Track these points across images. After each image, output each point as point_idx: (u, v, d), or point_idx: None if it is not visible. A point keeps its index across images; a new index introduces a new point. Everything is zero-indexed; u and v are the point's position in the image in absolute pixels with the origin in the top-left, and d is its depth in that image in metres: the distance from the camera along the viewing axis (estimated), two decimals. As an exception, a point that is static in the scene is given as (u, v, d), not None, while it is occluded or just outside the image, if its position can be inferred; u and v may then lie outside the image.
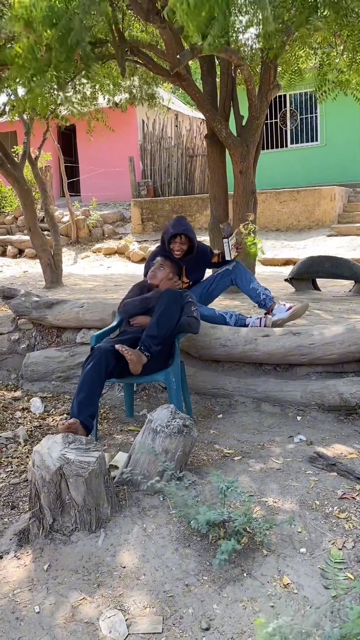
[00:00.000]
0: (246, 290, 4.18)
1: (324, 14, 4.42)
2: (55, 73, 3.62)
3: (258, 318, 4.01)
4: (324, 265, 5.93)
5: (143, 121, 15.09)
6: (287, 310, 4.02)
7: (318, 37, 6.02)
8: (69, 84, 6.21)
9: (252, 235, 4.22)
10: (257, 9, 3.63)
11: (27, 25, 3.19)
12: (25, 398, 4.16)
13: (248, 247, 4.19)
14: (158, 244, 4.37)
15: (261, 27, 4.41)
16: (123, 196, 15.46)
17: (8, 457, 3.18)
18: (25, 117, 7.61)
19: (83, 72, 5.09)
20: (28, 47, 3.37)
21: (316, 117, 13.93)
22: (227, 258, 4.15)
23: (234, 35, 5.46)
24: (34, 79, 3.77)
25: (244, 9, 3.98)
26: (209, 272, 4.37)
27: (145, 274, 3.98)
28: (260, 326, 3.93)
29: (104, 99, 8.35)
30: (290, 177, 13.84)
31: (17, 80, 5.14)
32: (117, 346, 2.97)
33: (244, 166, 5.73)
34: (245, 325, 3.97)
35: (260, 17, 4.13)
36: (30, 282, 8.99)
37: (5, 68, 5.67)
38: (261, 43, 4.67)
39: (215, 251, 4.34)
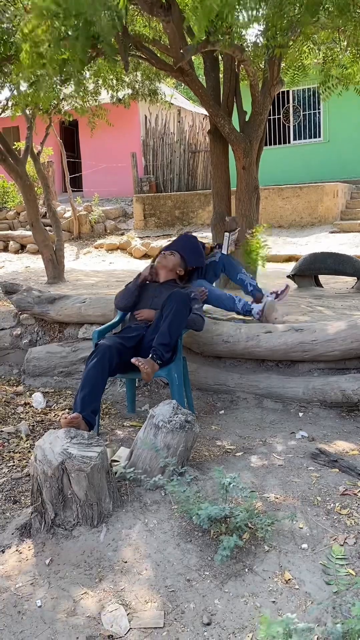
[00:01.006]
0: (234, 280, 4.29)
1: (329, 9, 4.40)
2: (70, 62, 3.59)
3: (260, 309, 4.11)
4: (326, 261, 5.92)
5: (145, 117, 15.06)
6: (272, 297, 4.16)
7: (322, 33, 5.99)
8: (73, 79, 6.20)
9: (261, 243, 4.26)
10: (263, 5, 3.61)
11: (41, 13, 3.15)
12: (27, 393, 4.16)
13: (253, 252, 4.21)
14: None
15: (267, 23, 4.40)
16: (125, 192, 15.44)
17: (10, 451, 3.19)
18: (27, 112, 7.60)
19: (94, 66, 5.04)
20: (42, 32, 3.33)
21: (319, 113, 13.88)
22: (224, 251, 4.17)
23: (238, 30, 5.43)
24: (47, 70, 3.74)
25: (249, 5, 3.95)
26: None
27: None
28: (262, 314, 4.04)
29: (107, 93, 8.33)
30: (293, 173, 13.80)
31: (20, 74, 5.12)
32: (133, 360, 2.95)
33: (247, 162, 5.71)
34: (251, 313, 4.05)
35: (265, 13, 4.12)
36: (32, 277, 8.99)
37: (7, 62, 5.66)
38: (266, 41, 4.64)
39: (208, 243, 4.36)
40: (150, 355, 3.03)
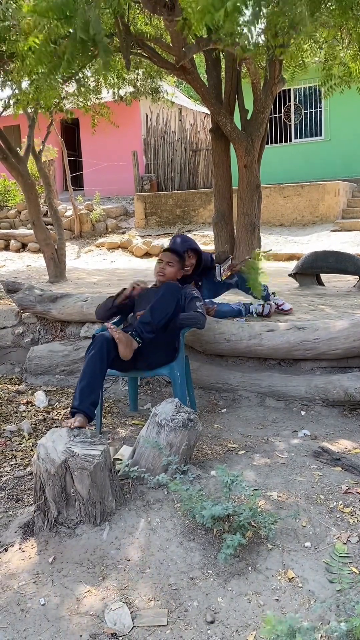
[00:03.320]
0: (246, 292, 4.43)
1: (330, 7, 4.39)
2: (69, 66, 3.58)
3: (260, 304, 4.28)
4: (328, 260, 5.91)
5: (147, 115, 15.04)
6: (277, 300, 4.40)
7: (323, 31, 5.97)
8: (75, 77, 6.19)
9: (259, 270, 4.27)
10: (264, 3, 3.58)
11: (40, 14, 3.14)
12: (30, 392, 4.16)
13: (252, 284, 4.24)
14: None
15: (267, 22, 4.38)
16: (126, 190, 15.43)
17: (12, 450, 3.19)
18: (29, 110, 7.59)
19: (101, 66, 5.02)
20: (42, 40, 3.32)
21: (320, 111, 13.86)
22: (217, 279, 4.22)
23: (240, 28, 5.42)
24: (49, 75, 3.73)
25: (251, 2, 3.94)
26: None
27: None
28: (262, 312, 4.23)
29: (108, 92, 8.32)
30: (294, 171, 13.79)
31: (24, 74, 5.11)
32: (105, 323, 3.01)
33: (248, 160, 5.70)
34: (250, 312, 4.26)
35: (266, 11, 4.10)
36: (33, 276, 8.99)
37: (9, 61, 5.64)
38: (267, 40, 4.62)
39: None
40: (129, 333, 3.06)
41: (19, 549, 2.24)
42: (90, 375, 2.88)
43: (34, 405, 3.89)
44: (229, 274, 4.26)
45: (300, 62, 6.74)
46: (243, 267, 4.25)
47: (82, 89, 7.43)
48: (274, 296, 4.45)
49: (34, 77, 4.66)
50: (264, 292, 4.36)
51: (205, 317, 3.48)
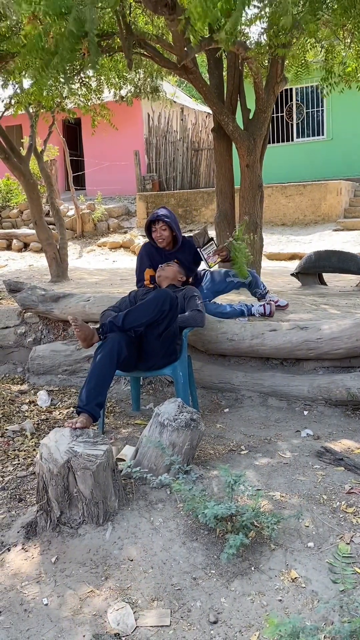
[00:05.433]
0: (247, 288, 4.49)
1: (332, 7, 4.38)
2: (61, 64, 3.57)
3: (261, 305, 4.28)
4: (330, 259, 5.91)
5: (148, 115, 15.04)
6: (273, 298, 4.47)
7: (324, 31, 5.96)
8: (76, 77, 6.18)
9: (240, 246, 4.15)
10: (266, 3, 3.58)
11: (33, 9, 3.13)
12: (32, 391, 4.16)
13: (238, 268, 4.16)
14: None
15: (269, 22, 4.38)
16: (128, 190, 15.44)
17: (15, 450, 3.19)
18: (30, 110, 7.59)
19: (89, 65, 5.03)
20: (35, 35, 3.32)
21: (322, 111, 13.85)
22: (206, 267, 4.11)
23: (242, 28, 5.41)
24: (41, 71, 3.73)
25: (252, 2, 3.93)
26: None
27: (138, 278, 4.00)
28: (265, 312, 4.25)
29: (109, 92, 8.32)
30: (296, 171, 13.78)
31: (23, 72, 5.11)
32: (69, 317, 3.06)
33: (250, 160, 5.70)
34: (252, 312, 4.26)
35: (269, 10, 4.10)
36: (35, 275, 8.99)
37: (10, 60, 5.64)
38: (269, 40, 4.61)
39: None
40: (97, 327, 3.09)
41: (22, 549, 2.24)
42: (100, 376, 2.86)
43: (37, 405, 3.89)
44: (218, 260, 4.12)
45: (303, 61, 6.72)
46: (230, 248, 4.11)
47: (83, 89, 7.43)
48: (269, 293, 4.47)
49: (30, 72, 4.64)
50: (263, 291, 4.38)
51: (205, 314, 3.47)
